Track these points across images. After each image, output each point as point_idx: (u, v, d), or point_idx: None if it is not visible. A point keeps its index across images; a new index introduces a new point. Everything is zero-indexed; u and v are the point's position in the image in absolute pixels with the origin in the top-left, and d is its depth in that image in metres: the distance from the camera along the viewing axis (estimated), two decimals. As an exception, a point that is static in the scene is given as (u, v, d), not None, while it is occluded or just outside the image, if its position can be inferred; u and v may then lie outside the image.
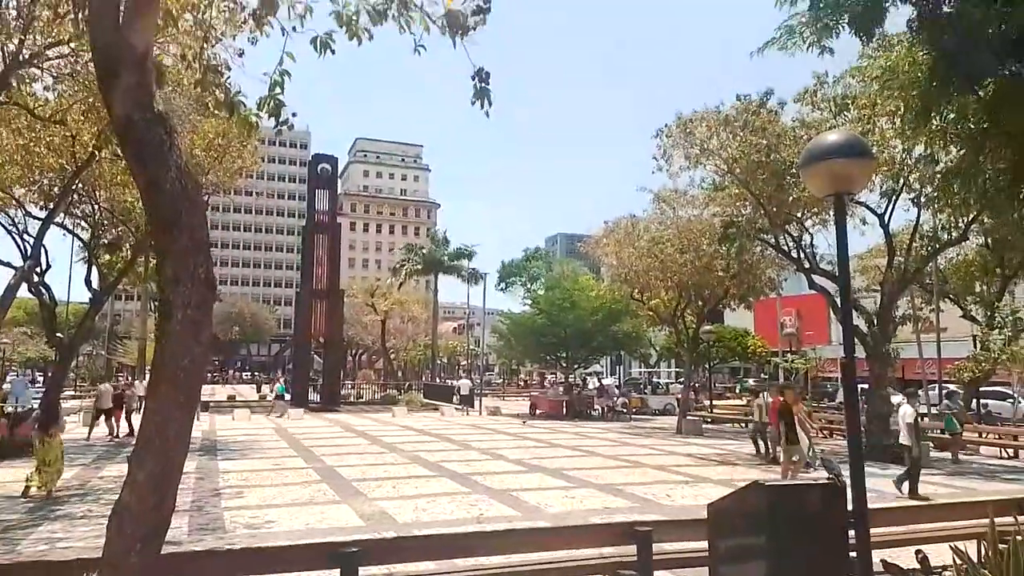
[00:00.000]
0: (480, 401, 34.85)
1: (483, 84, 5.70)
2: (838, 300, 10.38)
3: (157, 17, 3.31)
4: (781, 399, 14.00)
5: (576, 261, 51.07)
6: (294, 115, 6.87)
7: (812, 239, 21.71)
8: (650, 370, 69.63)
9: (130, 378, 44.50)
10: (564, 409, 33.39)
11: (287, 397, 33.80)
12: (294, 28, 5.90)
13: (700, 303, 29.08)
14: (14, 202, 18.40)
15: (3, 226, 19.26)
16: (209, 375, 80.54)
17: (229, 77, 6.52)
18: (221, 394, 47.77)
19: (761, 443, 18.44)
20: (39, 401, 19.61)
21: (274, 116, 5.99)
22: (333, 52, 5.73)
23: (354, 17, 5.61)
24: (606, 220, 30.10)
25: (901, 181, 18.61)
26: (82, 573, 3.20)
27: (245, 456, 17.47)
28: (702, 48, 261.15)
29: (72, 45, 10.47)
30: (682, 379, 36.47)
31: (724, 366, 57.13)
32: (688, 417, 26.44)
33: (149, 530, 2.99)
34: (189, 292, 3.02)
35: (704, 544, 5.46)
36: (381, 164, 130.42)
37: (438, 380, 56.83)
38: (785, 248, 21.78)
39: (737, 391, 47.83)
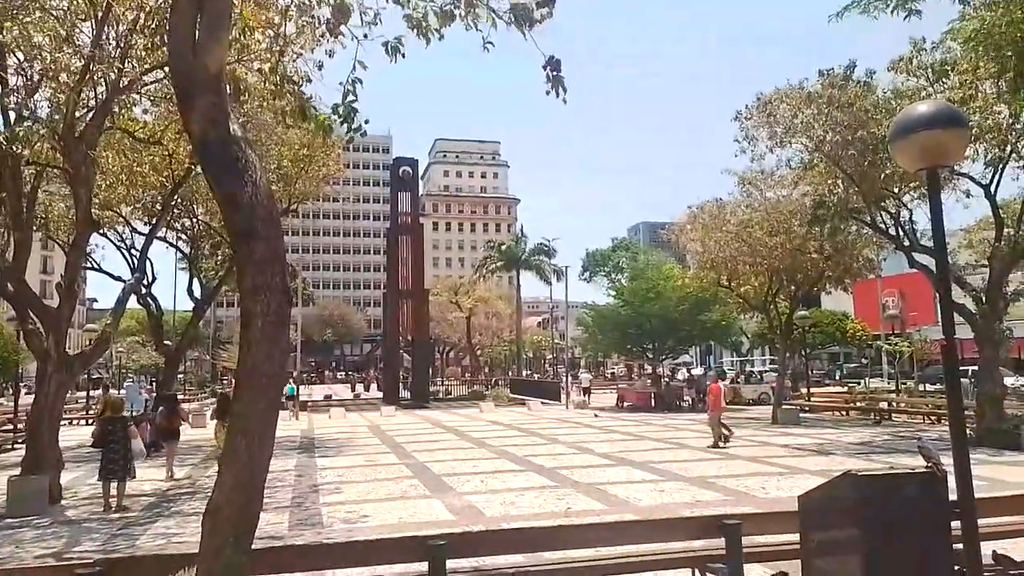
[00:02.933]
0: (566, 395, 34.81)
1: (556, 73, 5.70)
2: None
3: (228, 41, 3.48)
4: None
5: (660, 250, 50.20)
6: (367, 121, 7.05)
7: (911, 215, 20.57)
8: (742, 359, 67.64)
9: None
10: (652, 401, 32.94)
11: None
12: (364, 35, 6.09)
13: (793, 287, 28.02)
14: (121, 219, 19.70)
15: (112, 242, 20.65)
16: (306, 376, 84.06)
17: (302, 87, 6.74)
18: (318, 394, 49.71)
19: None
20: (153, 403, 20.97)
21: (347, 122, 6.20)
22: (403, 55, 5.85)
23: (424, 19, 5.71)
24: (690, 205, 29.45)
25: (1008, 148, 17.35)
26: (183, 567, 3.42)
27: (341, 453, 18.12)
28: (785, 22, 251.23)
29: (166, 69, 11.08)
30: (776, 367, 35.26)
31: (822, 352, 54.89)
32: (784, 406, 25.54)
33: (239, 528, 3.15)
34: (267, 301, 3.17)
35: (796, 537, 5.28)
36: (460, 163, 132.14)
37: (524, 374, 57.15)
38: (882, 226, 20.71)
39: (837, 378, 45.82)
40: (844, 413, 27.51)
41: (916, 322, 44.39)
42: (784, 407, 25.33)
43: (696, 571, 5.89)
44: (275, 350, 3.22)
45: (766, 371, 44.46)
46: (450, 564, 5.33)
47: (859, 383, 39.94)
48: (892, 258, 28.95)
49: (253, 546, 3.69)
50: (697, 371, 44.55)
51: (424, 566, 5.10)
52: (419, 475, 14.05)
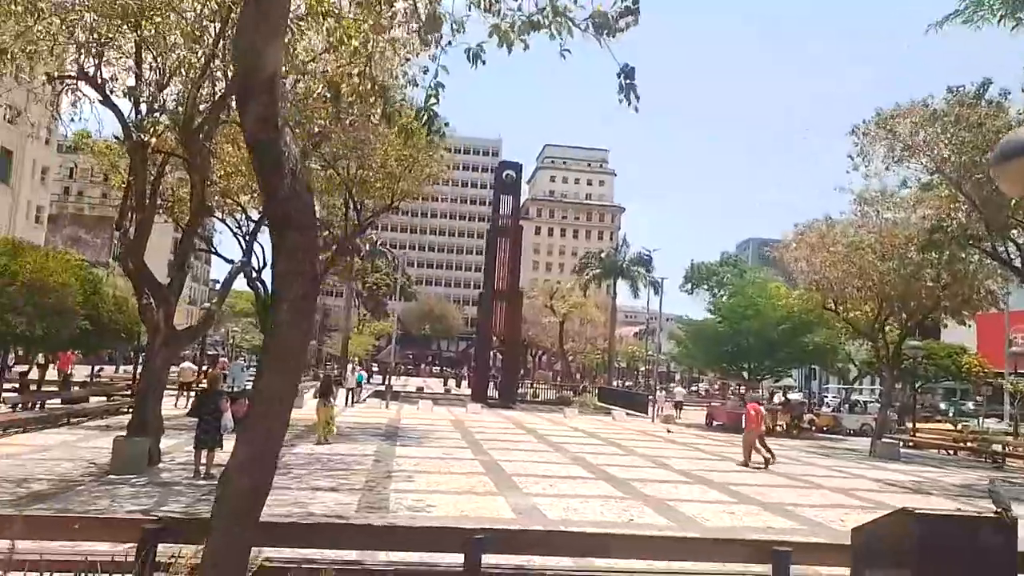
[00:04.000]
0: (653, 408, 34.21)
1: (629, 80, 5.70)
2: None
3: (282, 47, 3.74)
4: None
5: (768, 268, 48.48)
6: (447, 124, 7.29)
7: (1041, 246, 18.94)
8: (848, 387, 64.13)
9: (337, 367, 49.14)
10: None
11: (350, 384, 33.65)
12: (449, 43, 6.30)
13: (904, 316, 26.38)
14: (238, 207, 21.02)
15: (229, 228, 22.06)
16: (403, 368, 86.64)
17: (390, 92, 7.02)
18: (412, 386, 51.20)
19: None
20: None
21: (428, 125, 6.42)
22: (484, 62, 6.00)
23: (509, 28, 5.83)
24: (796, 223, 28.31)
25: None
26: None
27: (421, 444, 18.60)
28: (904, 36, 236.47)
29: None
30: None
31: (937, 386, 51.28)
32: (884, 440, 24.09)
33: (249, 500, 3.38)
34: (296, 286, 3.39)
35: (847, 572, 5.05)
36: (568, 169, 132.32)
37: (614, 384, 56.55)
38: (1005, 257, 19.18)
39: (950, 414, 42.65)
40: (952, 452, 25.65)
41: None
42: (884, 440, 23.90)
43: (743, 595, 5.73)
44: (299, 332, 3.43)
45: (871, 401, 41.96)
46: (493, 560, 5.44)
47: (973, 421, 37.06)
48: (1020, 292, 26.76)
49: (287, 519, 3.92)
50: (795, 396, 42.69)
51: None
52: (490, 472, 14.24)
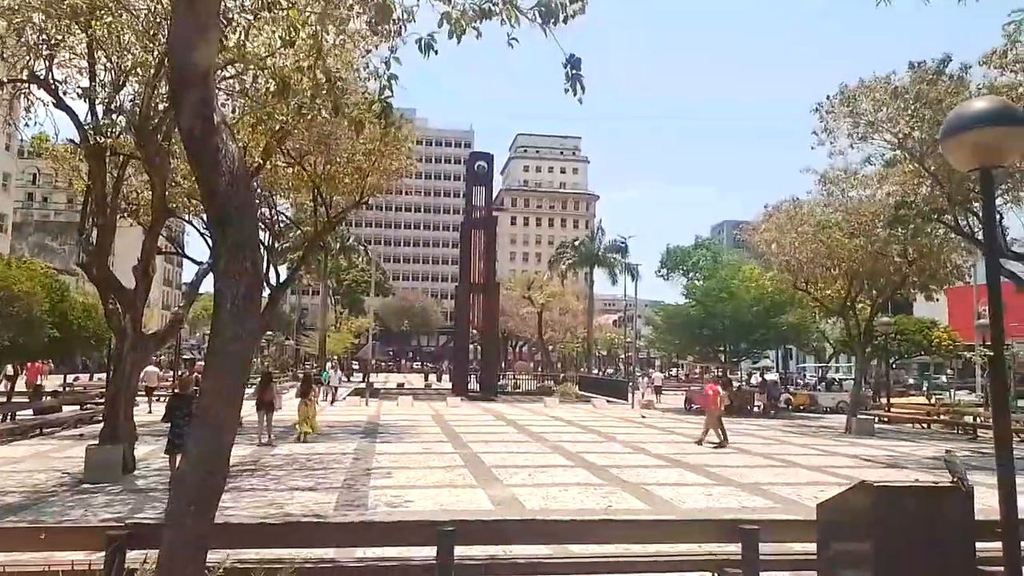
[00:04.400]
0: (632, 395, 34.45)
1: (575, 71, 5.69)
2: None
3: (216, 41, 3.69)
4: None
5: (741, 250, 48.91)
6: (402, 116, 7.21)
7: (1001, 219, 19.27)
8: (824, 365, 65.11)
9: (316, 366, 48.80)
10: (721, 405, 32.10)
11: (332, 383, 33.76)
12: (399, 32, 6.24)
13: (874, 292, 26.77)
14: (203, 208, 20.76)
15: (197, 229, 21.74)
16: (384, 364, 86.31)
17: (337, 84, 6.95)
18: (392, 382, 51.04)
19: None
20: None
21: (384, 117, 6.37)
22: (436, 52, 5.94)
23: (459, 16, 5.77)
24: (766, 204, 28.54)
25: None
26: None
27: (401, 440, 18.57)
28: (871, 16, 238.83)
29: (237, 67, 11.55)
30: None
31: (911, 361, 52.19)
32: (859, 416, 24.47)
33: (202, 498, 3.35)
34: (237, 285, 3.35)
35: (814, 547, 5.12)
36: (541, 158, 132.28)
37: (594, 372, 56.82)
38: (968, 231, 19.52)
39: (924, 389, 43.44)
40: (926, 426, 26.13)
41: (1017, 333, 41.53)
42: (859, 417, 24.28)
43: (714, 575, 5.79)
44: (242, 331, 3.40)
45: (847, 379, 42.60)
46: (466, 551, 5.45)
47: (946, 395, 37.80)
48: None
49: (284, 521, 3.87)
50: (771, 376, 43.23)
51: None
52: (470, 465, 14.25)
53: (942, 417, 26.33)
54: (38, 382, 24.75)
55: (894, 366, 42.97)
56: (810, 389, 40.56)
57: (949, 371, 47.51)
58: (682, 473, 13.85)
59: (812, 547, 5.19)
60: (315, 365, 50.60)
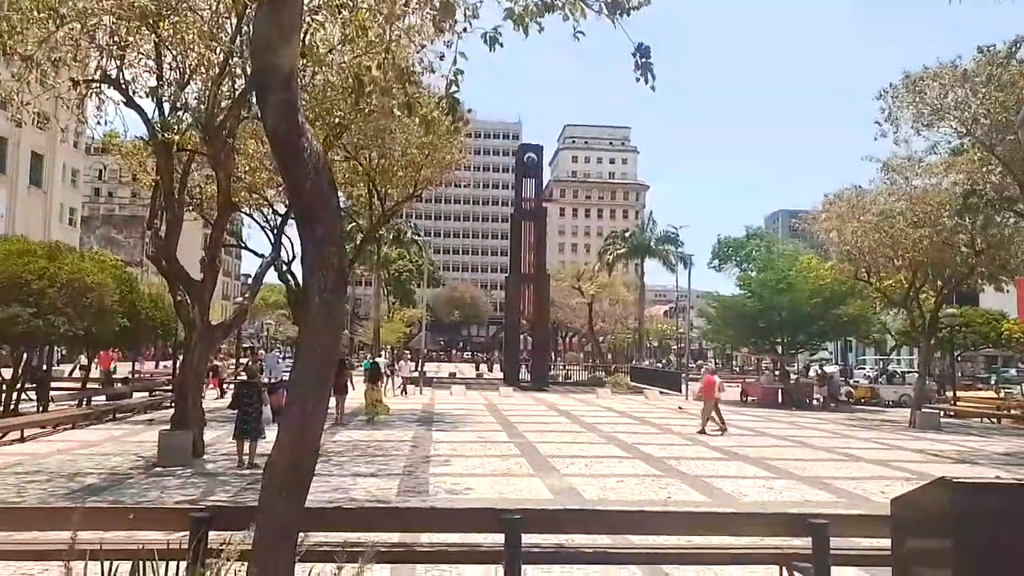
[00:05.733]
0: (687, 386, 34.09)
1: (645, 59, 5.65)
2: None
3: (299, 43, 3.80)
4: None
5: (797, 240, 47.76)
6: (470, 111, 7.26)
7: (1078, 207, 18.41)
8: (885, 357, 63.25)
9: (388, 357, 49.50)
10: (780, 397, 31.57)
11: (403, 373, 33.04)
12: (464, 29, 6.29)
13: (939, 283, 25.87)
14: (265, 202, 21.26)
15: (257, 223, 22.35)
16: (435, 354, 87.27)
17: (411, 81, 7.04)
18: (444, 372, 51.62)
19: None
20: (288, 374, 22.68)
21: (451, 113, 6.44)
22: (501, 45, 5.97)
23: (523, 11, 5.79)
24: (826, 193, 27.78)
25: None
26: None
27: (456, 428, 18.80)
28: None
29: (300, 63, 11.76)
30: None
31: (978, 354, 50.31)
32: (924, 410, 23.72)
33: (292, 484, 3.49)
34: (324, 279, 3.47)
35: (888, 543, 5.01)
36: (589, 149, 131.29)
37: (646, 363, 56.36)
38: (1042, 218, 18.71)
39: (992, 382, 41.81)
40: (995, 421, 25.18)
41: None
42: (924, 410, 23.53)
43: (783, 569, 5.73)
44: (330, 323, 3.52)
45: (910, 371, 41.27)
46: (532, 539, 5.51)
47: (1016, 389, 36.31)
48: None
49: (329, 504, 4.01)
50: (831, 368, 42.19)
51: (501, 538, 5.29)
52: (526, 454, 14.36)
53: (1012, 412, 25.35)
54: (110, 369, 25.85)
55: (959, 359, 41.50)
56: (870, 382, 39.48)
57: (1022, 364, 45.63)
58: (741, 466, 13.69)
59: (884, 543, 5.09)
60: (387, 355, 50.89)
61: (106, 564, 4.18)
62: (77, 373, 24.91)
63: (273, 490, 3.44)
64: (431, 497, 10.06)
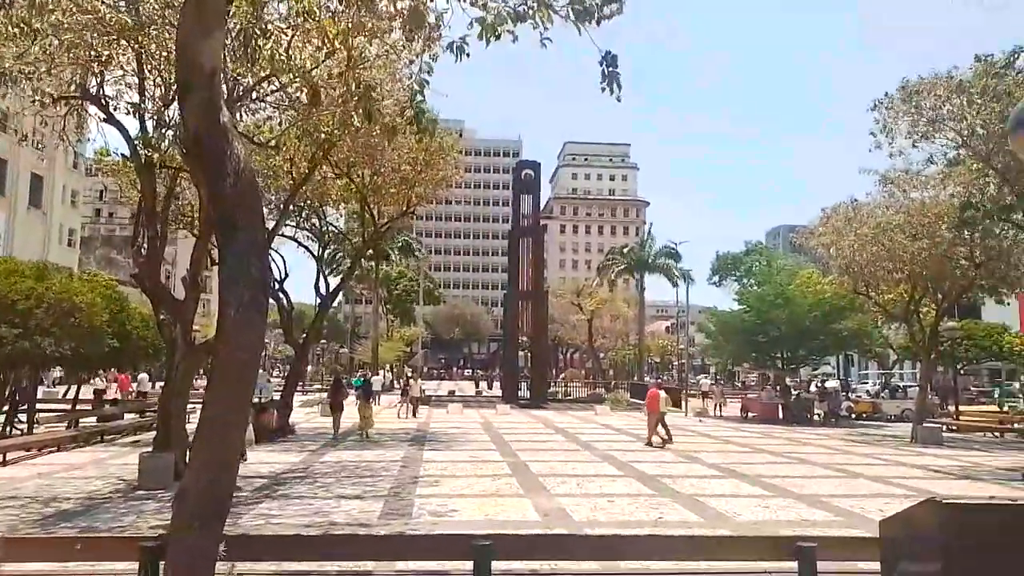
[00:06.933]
0: (686, 402, 33.73)
1: (612, 69, 5.48)
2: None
3: (222, 42, 3.63)
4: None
5: (797, 255, 47.54)
6: (435, 122, 7.11)
7: (1077, 217, 18.19)
8: (887, 371, 62.81)
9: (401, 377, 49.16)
10: (780, 413, 31.20)
11: (413, 392, 30.72)
12: (434, 37, 6.13)
13: (939, 296, 25.60)
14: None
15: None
16: (435, 372, 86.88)
17: (372, 92, 6.89)
18: (444, 389, 51.24)
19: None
20: (279, 394, 22.39)
21: (416, 123, 6.27)
22: (468, 55, 5.80)
23: (492, 20, 5.62)
24: (823, 207, 27.59)
25: None
26: (230, 548, 3.54)
27: (449, 448, 18.48)
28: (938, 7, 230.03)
29: (282, 80, 11.63)
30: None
31: (980, 367, 49.83)
32: (925, 425, 23.36)
33: (207, 511, 3.23)
34: (242, 291, 3.23)
35: (877, 565, 4.76)
36: (589, 166, 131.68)
37: (647, 379, 55.97)
38: (1041, 229, 18.48)
39: (995, 396, 41.33)
40: (998, 435, 24.81)
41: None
42: (926, 425, 23.17)
43: (770, 594, 5.46)
44: (247, 339, 3.28)
45: (912, 385, 40.84)
46: (504, 566, 5.26)
47: (1019, 402, 35.87)
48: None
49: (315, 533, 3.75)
50: (832, 383, 41.80)
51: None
52: (518, 474, 14.04)
53: (1016, 426, 24.98)
54: (131, 391, 26.21)
55: (962, 372, 41.06)
56: (872, 396, 39.06)
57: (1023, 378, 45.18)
58: (737, 484, 13.36)
59: (875, 566, 4.83)
60: (403, 375, 49.90)
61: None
62: (89, 395, 24.76)
63: (184, 520, 3.20)
64: (413, 520, 9.76)
